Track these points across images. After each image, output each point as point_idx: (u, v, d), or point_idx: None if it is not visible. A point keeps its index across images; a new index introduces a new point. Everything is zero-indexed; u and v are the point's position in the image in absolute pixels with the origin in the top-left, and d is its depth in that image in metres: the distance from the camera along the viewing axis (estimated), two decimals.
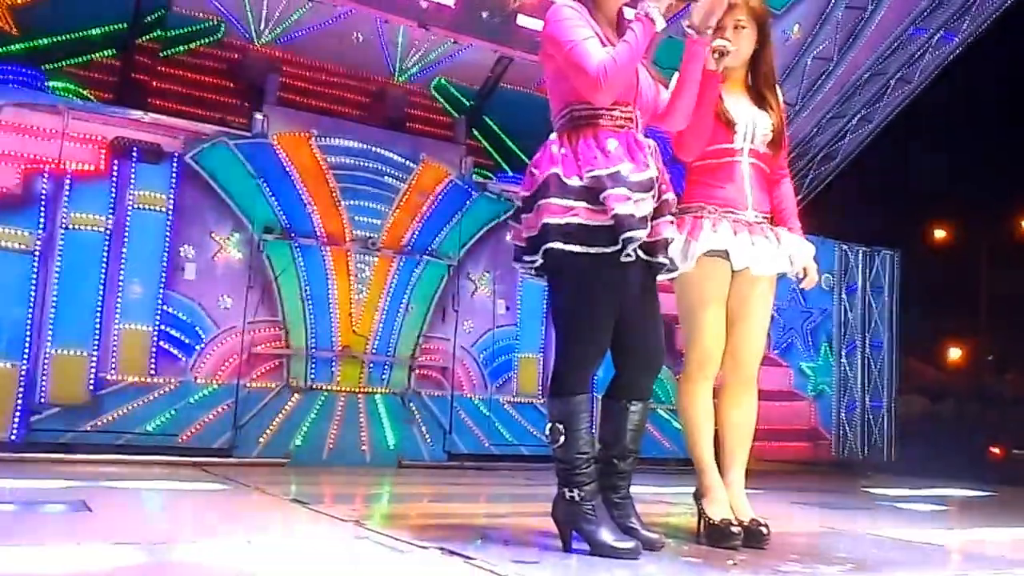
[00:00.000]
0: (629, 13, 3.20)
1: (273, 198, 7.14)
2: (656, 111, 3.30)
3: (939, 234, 22.93)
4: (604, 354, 3.15)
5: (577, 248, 3.00)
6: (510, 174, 8.88)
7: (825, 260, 9.95)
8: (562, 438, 3.03)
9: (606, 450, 3.21)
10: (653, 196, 3.08)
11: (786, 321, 9.59)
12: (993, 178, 20.29)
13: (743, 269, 3.49)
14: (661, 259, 3.17)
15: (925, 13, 10.04)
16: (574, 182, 3.03)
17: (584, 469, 3.02)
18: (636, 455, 3.28)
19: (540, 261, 3.10)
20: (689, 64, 3.26)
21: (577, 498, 3.01)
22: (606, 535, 2.96)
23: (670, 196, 3.21)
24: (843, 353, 10.16)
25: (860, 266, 10.36)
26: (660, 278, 3.32)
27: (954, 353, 23.79)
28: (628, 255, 3.01)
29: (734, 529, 3.30)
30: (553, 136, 3.19)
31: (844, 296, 10.22)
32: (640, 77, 3.20)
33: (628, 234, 2.96)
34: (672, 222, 3.23)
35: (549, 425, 3.08)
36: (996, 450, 13.25)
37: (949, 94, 12.50)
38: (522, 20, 8.46)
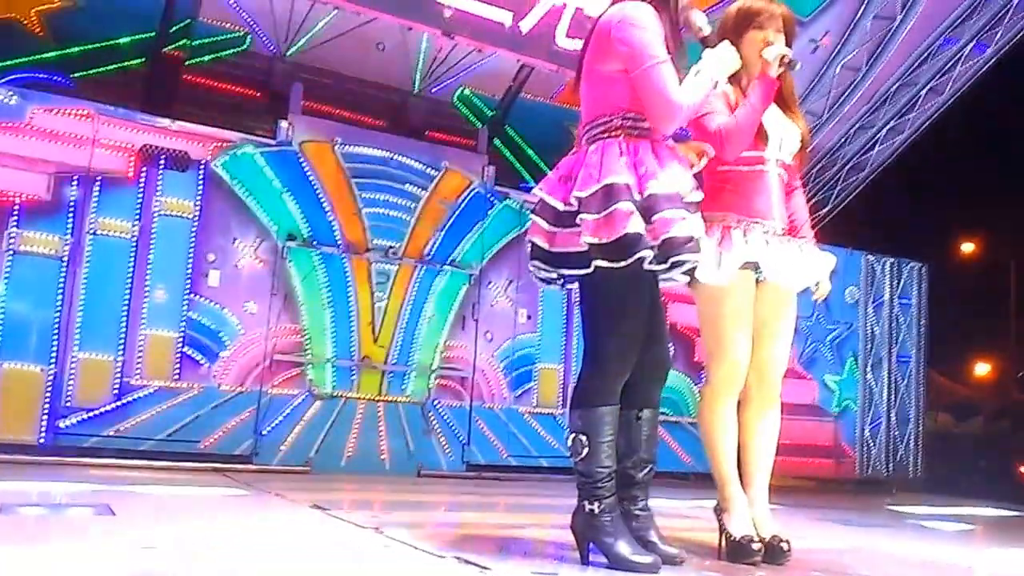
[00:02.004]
0: (700, 20, 3.19)
1: (296, 206, 7.18)
2: None
3: (968, 247, 22.72)
4: (631, 367, 3.10)
5: (655, 267, 3.01)
6: (532, 184, 8.87)
7: (852, 272, 9.85)
8: (585, 450, 2.99)
9: (622, 461, 3.16)
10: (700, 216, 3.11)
11: (811, 335, 9.48)
12: None
13: (770, 281, 3.45)
14: (686, 256, 3.04)
15: (956, 23, 9.95)
16: (636, 196, 2.96)
17: (605, 482, 2.99)
18: (652, 465, 3.25)
19: (587, 271, 3.04)
20: (766, 103, 3.34)
21: (596, 511, 2.98)
22: (624, 548, 2.93)
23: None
24: (869, 368, 10.01)
25: (887, 278, 10.23)
26: (680, 280, 3.24)
27: (982, 369, 23.52)
28: (672, 276, 3.07)
29: (755, 546, 3.26)
30: (611, 141, 3.07)
31: (871, 309, 10.08)
32: None
33: (678, 257, 2.96)
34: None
35: (572, 436, 3.05)
36: None
37: (980, 105, 12.33)
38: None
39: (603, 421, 3.01)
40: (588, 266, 3.03)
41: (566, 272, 3.14)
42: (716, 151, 3.27)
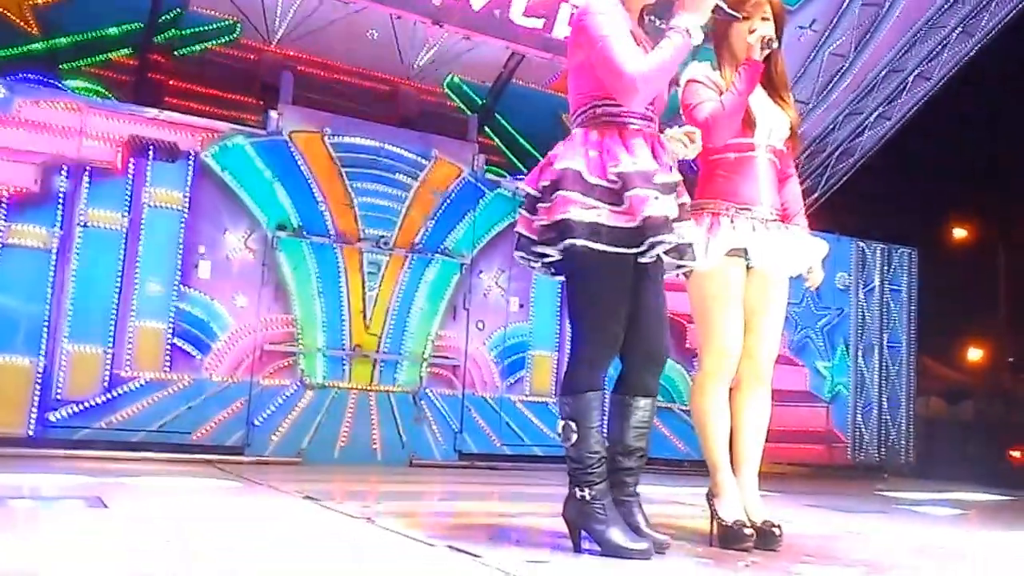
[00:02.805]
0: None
1: (287, 196, 7.16)
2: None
3: (958, 233, 22.76)
4: (617, 351, 3.12)
5: (603, 247, 2.98)
6: (524, 172, 8.86)
7: (842, 258, 9.85)
8: (574, 436, 3.00)
9: (611, 447, 3.16)
10: (675, 199, 3.06)
11: (802, 321, 9.50)
12: (1014, 177, 20.13)
13: (760, 267, 3.46)
14: (687, 261, 3.16)
15: (943, 9, 9.96)
16: (597, 181, 3.00)
17: (595, 468, 2.99)
18: (642, 453, 3.21)
19: (557, 256, 3.09)
20: (751, 85, 3.36)
21: (588, 497, 2.98)
22: (617, 535, 2.93)
23: (686, 199, 3.18)
24: (860, 353, 10.04)
25: (878, 264, 10.25)
26: (672, 274, 3.28)
27: (973, 354, 23.60)
28: (651, 257, 3.00)
29: (746, 531, 3.27)
30: (577, 130, 3.15)
31: (862, 295, 10.10)
32: None
33: (656, 238, 2.95)
34: (689, 224, 3.17)
35: (561, 423, 3.06)
36: (1016, 454, 13.13)
37: (969, 91, 12.36)
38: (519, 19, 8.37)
39: (590, 406, 3.02)
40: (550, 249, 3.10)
41: (535, 252, 3.18)
42: (704, 139, 3.27)
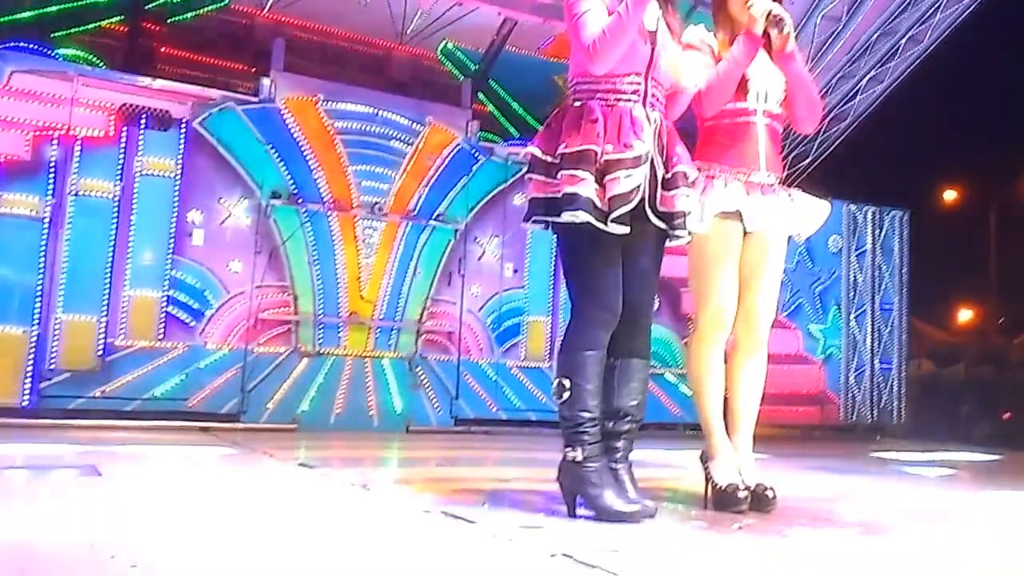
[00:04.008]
0: None
1: (281, 163, 7.14)
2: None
3: (950, 195, 22.74)
4: (615, 313, 3.11)
5: (547, 219, 3.11)
6: (517, 137, 8.83)
7: (834, 221, 9.85)
8: (566, 394, 3.02)
9: (602, 411, 3.17)
10: (645, 170, 3.04)
11: (794, 283, 9.53)
12: (1005, 140, 20.10)
13: (755, 231, 3.47)
14: (679, 233, 3.18)
15: None
16: (547, 159, 3.10)
17: (588, 428, 3.00)
18: (632, 418, 3.17)
19: (535, 228, 3.22)
20: (748, 59, 3.38)
21: (580, 458, 2.99)
22: (610, 498, 2.95)
23: (683, 168, 3.16)
24: (852, 315, 10.09)
25: (869, 227, 10.27)
26: (675, 243, 3.28)
27: (964, 315, 23.69)
28: (617, 227, 3.00)
29: (741, 493, 3.29)
30: (556, 110, 3.24)
31: (854, 258, 10.13)
32: (657, 48, 3.16)
33: (568, 213, 2.98)
34: (689, 195, 3.18)
35: (556, 380, 3.09)
36: (1007, 415, 13.22)
37: (961, 54, 12.31)
38: None
39: (586, 364, 3.03)
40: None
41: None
42: (695, 105, 3.28)
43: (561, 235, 3.16)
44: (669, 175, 3.12)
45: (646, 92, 3.14)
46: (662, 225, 3.13)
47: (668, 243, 3.27)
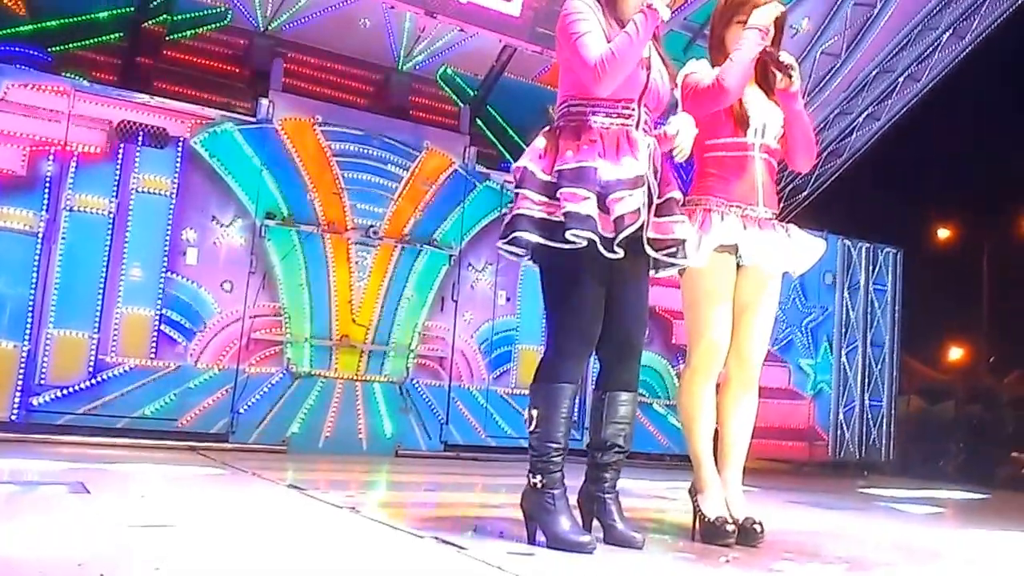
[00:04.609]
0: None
1: (276, 184, 7.15)
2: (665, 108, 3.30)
3: (943, 233, 22.85)
4: (592, 345, 3.13)
5: (541, 240, 3.00)
6: (513, 165, 8.84)
7: (828, 256, 9.80)
8: (535, 424, 3.04)
9: (590, 442, 3.18)
10: (643, 194, 3.02)
11: (786, 318, 9.54)
12: (999, 179, 20.22)
13: (751, 265, 3.48)
14: (675, 261, 3.16)
15: (934, 12, 10.00)
16: (544, 177, 3.05)
17: (554, 459, 3.02)
18: (619, 449, 3.18)
19: (512, 249, 3.12)
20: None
21: (540, 485, 3.00)
22: (563, 525, 2.93)
23: (675, 194, 3.17)
24: (843, 351, 10.10)
25: (863, 263, 10.31)
26: (665, 273, 3.30)
27: (955, 353, 23.72)
28: (614, 252, 2.98)
29: (728, 527, 3.29)
30: (546, 128, 3.21)
31: (846, 294, 10.15)
32: (652, 75, 3.18)
33: (572, 231, 2.92)
34: (683, 221, 3.16)
35: (528, 410, 3.10)
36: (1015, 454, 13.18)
37: (957, 94, 12.42)
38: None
39: (559, 397, 3.04)
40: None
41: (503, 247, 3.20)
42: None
43: (551, 259, 3.08)
44: (662, 200, 3.13)
45: (639, 118, 3.16)
46: (654, 253, 3.10)
47: (657, 272, 3.27)
